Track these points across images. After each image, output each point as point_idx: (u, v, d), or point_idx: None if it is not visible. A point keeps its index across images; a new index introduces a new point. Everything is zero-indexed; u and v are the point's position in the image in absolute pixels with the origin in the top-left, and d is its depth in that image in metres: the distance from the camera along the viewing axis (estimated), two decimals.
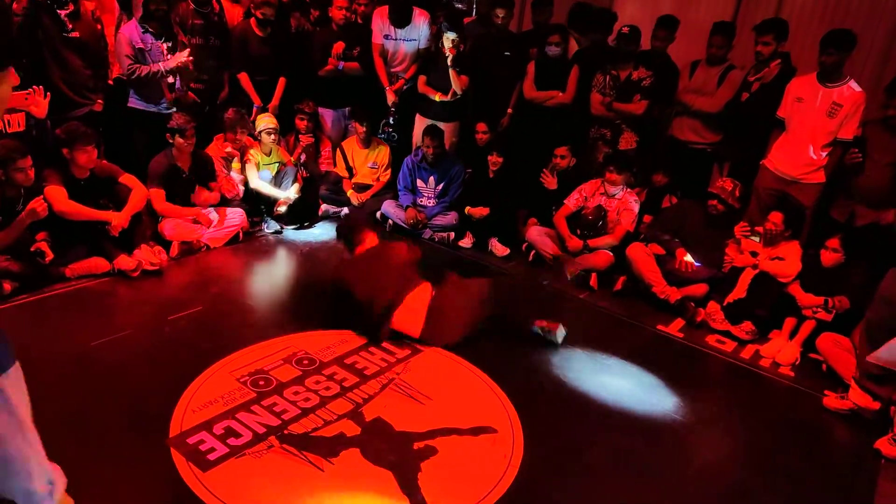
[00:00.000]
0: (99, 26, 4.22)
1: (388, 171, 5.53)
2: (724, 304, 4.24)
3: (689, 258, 4.41)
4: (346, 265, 3.80)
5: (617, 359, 3.88)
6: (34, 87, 3.70)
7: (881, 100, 4.09)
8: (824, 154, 4.31)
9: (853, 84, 4.18)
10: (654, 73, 4.93)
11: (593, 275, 4.58)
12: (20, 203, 3.65)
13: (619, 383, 3.54)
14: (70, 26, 3.92)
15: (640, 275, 4.45)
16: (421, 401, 3.08)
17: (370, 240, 3.88)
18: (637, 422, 3.17)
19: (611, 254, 4.64)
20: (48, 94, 3.75)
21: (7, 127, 3.70)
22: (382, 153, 5.50)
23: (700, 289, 4.39)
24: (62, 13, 3.86)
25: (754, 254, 4.27)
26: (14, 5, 3.80)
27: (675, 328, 4.17)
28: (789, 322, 4.06)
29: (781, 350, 3.92)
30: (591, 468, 2.82)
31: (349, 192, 5.31)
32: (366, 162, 5.47)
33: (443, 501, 2.47)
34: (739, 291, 4.21)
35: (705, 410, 3.42)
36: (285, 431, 2.75)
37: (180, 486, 2.40)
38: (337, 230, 4.64)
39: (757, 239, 4.33)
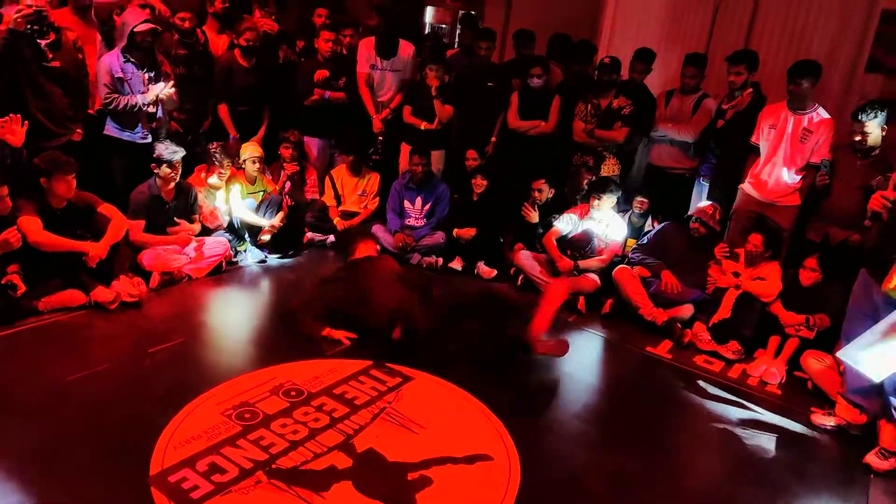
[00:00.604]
0: (80, 55, 4.15)
1: (377, 199, 5.51)
2: (710, 324, 4.27)
3: (673, 280, 4.45)
4: (340, 279, 3.83)
5: (608, 381, 3.88)
6: (10, 115, 3.62)
7: (848, 126, 4.22)
8: (798, 178, 4.41)
9: (821, 111, 4.32)
10: (633, 102, 5.03)
11: (581, 298, 4.58)
12: None
13: (612, 406, 3.51)
14: (50, 56, 3.85)
15: (627, 297, 4.47)
16: (414, 430, 3.00)
17: (367, 248, 3.89)
18: (632, 445, 3.14)
19: (597, 278, 4.65)
20: (25, 122, 3.67)
21: None
22: (372, 181, 5.49)
23: (686, 310, 4.42)
24: (43, 43, 3.79)
25: (736, 274, 4.32)
26: None
27: (663, 349, 4.18)
28: (774, 340, 4.11)
29: (767, 369, 3.95)
30: (590, 494, 2.76)
31: (335, 220, 5.27)
32: (355, 190, 5.45)
33: None
34: (724, 312, 4.24)
35: (698, 430, 3.42)
36: (273, 466, 2.64)
37: None
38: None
39: (736, 260, 4.38)
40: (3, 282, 3.47)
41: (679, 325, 4.31)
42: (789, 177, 4.40)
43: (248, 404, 3.03)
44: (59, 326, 3.58)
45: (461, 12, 7.36)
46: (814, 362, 3.75)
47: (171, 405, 2.94)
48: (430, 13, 8.38)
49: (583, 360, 4.07)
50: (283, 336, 3.78)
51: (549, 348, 3.73)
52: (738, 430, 3.40)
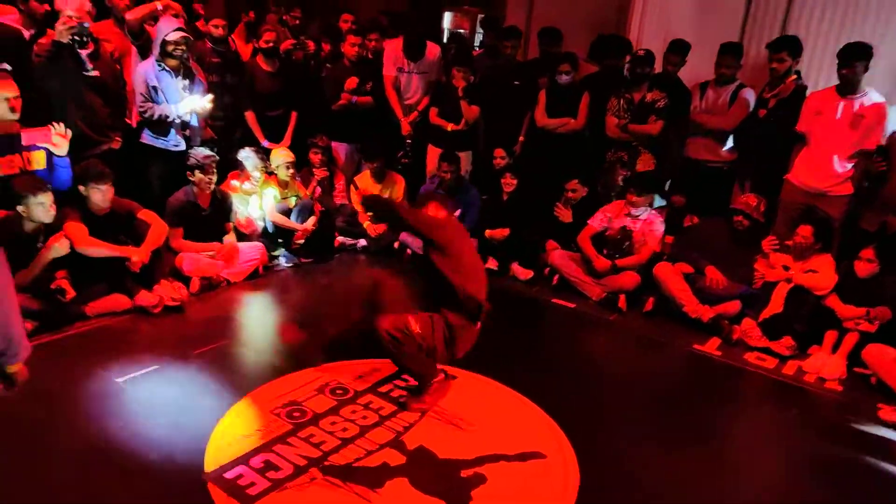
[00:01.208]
0: (118, 66, 4.21)
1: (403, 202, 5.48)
2: (760, 320, 4.13)
3: (719, 275, 4.33)
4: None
5: (657, 380, 3.78)
6: (54, 123, 3.66)
7: None
8: (849, 165, 4.28)
9: (873, 94, 4.19)
10: (668, 95, 4.95)
11: (621, 296, 4.48)
12: (40, 240, 3.57)
13: (663, 404, 3.41)
14: (90, 65, 3.90)
15: (671, 294, 4.36)
16: (463, 427, 2.94)
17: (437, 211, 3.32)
18: (689, 442, 3.05)
19: (638, 274, 4.55)
20: (68, 131, 3.71)
21: (28, 164, 3.64)
22: (397, 187, 5.45)
23: (733, 306, 4.29)
24: (83, 52, 3.85)
25: (786, 268, 4.19)
26: (35, 47, 3.80)
27: (711, 347, 4.06)
28: (830, 335, 3.95)
29: (826, 364, 3.80)
30: (652, 492, 2.68)
31: (366, 224, 5.24)
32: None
33: None
34: (775, 306, 4.11)
35: (758, 428, 3.32)
36: (326, 463, 2.61)
37: None
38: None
39: (786, 253, 4.26)
40: (52, 287, 3.49)
41: (727, 322, 4.19)
42: (840, 165, 4.27)
43: (296, 403, 3.00)
44: (106, 330, 3.59)
45: (480, 16, 7.38)
46: (878, 356, 3.60)
47: (220, 404, 2.92)
48: (447, 19, 8.38)
49: (629, 358, 4.00)
50: (324, 338, 3.72)
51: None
52: (798, 428, 3.30)
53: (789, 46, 4.54)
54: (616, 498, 2.61)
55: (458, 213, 5.12)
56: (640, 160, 5.00)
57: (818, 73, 5.10)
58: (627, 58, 5.28)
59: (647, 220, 4.70)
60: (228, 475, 2.48)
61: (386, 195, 5.39)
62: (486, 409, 3.09)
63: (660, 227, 4.71)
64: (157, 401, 2.99)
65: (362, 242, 5.25)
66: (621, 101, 5.04)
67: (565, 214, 4.97)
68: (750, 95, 4.84)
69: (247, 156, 4.72)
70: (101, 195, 3.70)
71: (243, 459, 2.57)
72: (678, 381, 3.75)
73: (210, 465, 2.53)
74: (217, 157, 4.24)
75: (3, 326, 1.69)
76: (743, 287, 4.32)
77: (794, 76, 4.57)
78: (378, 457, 2.67)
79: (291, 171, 4.82)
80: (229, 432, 2.74)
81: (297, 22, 5.44)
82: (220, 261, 4.29)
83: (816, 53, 5.34)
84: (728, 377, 3.78)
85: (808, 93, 4.56)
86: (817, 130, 4.32)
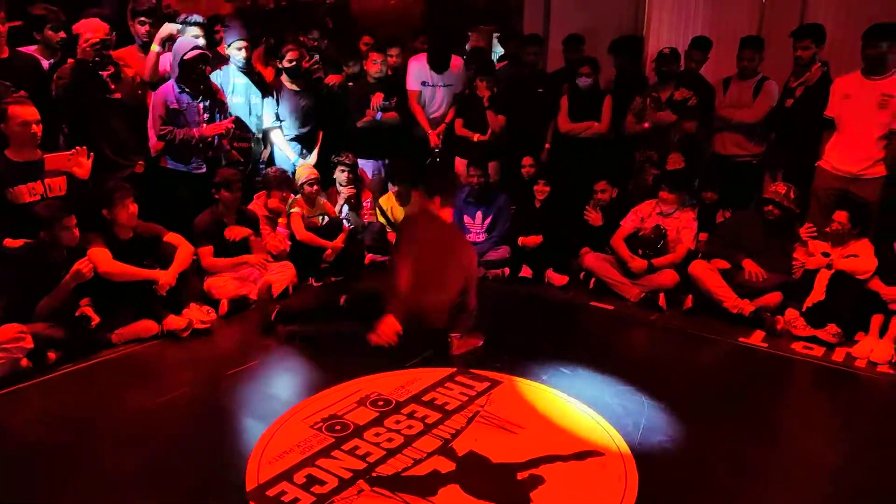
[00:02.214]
0: (140, 91, 4.20)
1: None
2: (804, 309, 3.99)
3: (757, 268, 4.20)
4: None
5: (705, 374, 3.64)
6: (77, 147, 3.63)
7: None
8: (881, 146, 4.17)
9: None
10: (696, 93, 4.88)
11: (661, 295, 4.36)
12: (64, 268, 3.50)
13: (714, 397, 3.27)
14: (112, 87, 3.89)
15: (708, 292, 4.22)
16: (513, 430, 2.81)
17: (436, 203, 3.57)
18: (747, 433, 2.91)
19: (675, 272, 4.43)
20: (91, 154, 3.68)
21: (48, 191, 3.60)
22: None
23: (774, 297, 4.16)
24: (104, 74, 3.84)
25: (826, 254, 4.06)
26: (58, 71, 3.80)
27: (756, 339, 3.92)
28: (876, 319, 3.81)
29: (874, 349, 3.67)
30: (715, 483, 2.53)
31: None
32: None
33: None
34: (818, 294, 3.97)
35: (814, 414, 3.19)
36: (373, 474, 2.48)
37: None
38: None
39: (824, 240, 4.13)
40: (76, 314, 3.42)
41: (769, 314, 4.05)
42: (871, 147, 4.16)
43: (336, 416, 2.88)
44: (134, 357, 3.50)
45: (496, 35, 7.38)
46: None
47: (257, 423, 2.81)
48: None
49: (675, 355, 3.86)
50: (358, 352, 3.62)
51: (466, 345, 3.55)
52: (854, 414, 3.17)
53: (813, 34, 4.51)
54: (678, 488, 2.46)
55: (488, 221, 5.07)
56: (670, 159, 4.91)
57: (839, 60, 4.99)
58: (649, 59, 5.23)
59: (680, 218, 4.60)
60: (271, 492, 2.36)
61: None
62: (534, 413, 2.97)
63: (693, 224, 4.60)
64: (191, 423, 2.90)
65: None
66: (647, 101, 4.98)
67: (595, 217, 4.88)
68: (774, 87, 4.77)
69: (273, 175, 4.67)
70: (126, 212, 3.64)
71: (286, 475, 2.45)
72: (728, 374, 3.61)
73: (251, 483, 2.41)
74: (240, 175, 4.19)
75: None
76: (783, 277, 4.20)
77: (819, 63, 4.50)
78: (427, 465, 2.54)
79: (316, 187, 4.76)
80: (269, 450, 2.63)
81: (315, 43, 5.44)
82: (255, 269, 4.23)
83: (836, 44, 5.27)
84: (778, 367, 3.64)
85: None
86: (846, 114, 4.24)
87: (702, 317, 4.20)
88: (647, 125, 4.95)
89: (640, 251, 4.59)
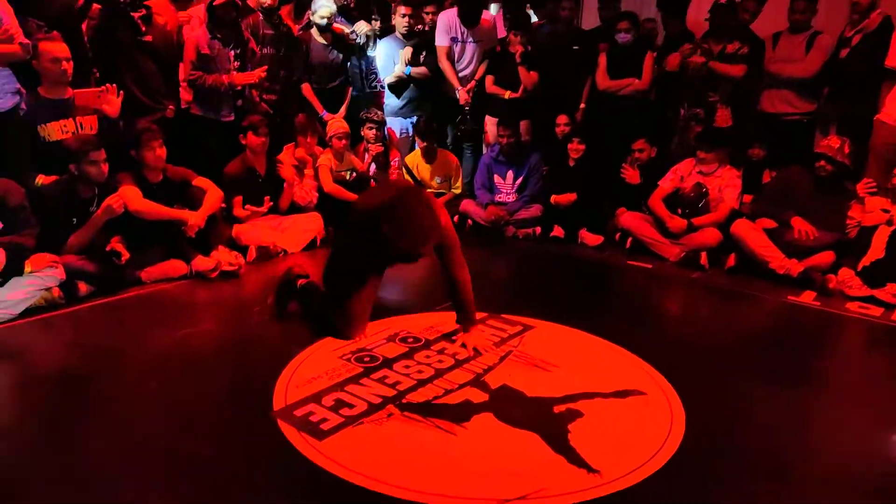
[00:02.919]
0: (174, 37, 4.16)
1: (460, 181, 5.28)
2: (859, 268, 3.76)
3: (807, 226, 3.98)
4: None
5: (752, 329, 3.46)
6: (107, 84, 3.59)
7: None
8: None
9: None
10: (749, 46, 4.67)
11: (703, 253, 4.16)
12: (94, 204, 3.47)
13: (763, 351, 3.09)
14: (144, 29, 3.85)
15: (752, 253, 4.02)
16: (548, 369, 2.67)
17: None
18: (798, 384, 2.72)
19: (718, 230, 4.23)
20: (121, 92, 3.64)
21: (80, 129, 3.57)
22: (450, 166, 5.26)
23: (826, 257, 3.94)
24: (135, 16, 3.80)
25: (886, 211, 3.82)
26: (90, 12, 3.77)
27: (807, 298, 3.70)
28: None
29: None
30: (764, 425, 2.36)
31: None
32: (432, 177, 5.23)
33: (605, 462, 2.03)
34: (876, 252, 3.74)
35: (874, 370, 2.98)
36: (403, 400, 2.37)
37: (295, 455, 2.03)
38: None
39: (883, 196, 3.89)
40: (107, 249, 3.38)
41: (819, 274, 3.83)
42: None
43: (365, 349, 2.78)
44: (163, 294, 3.45)
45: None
46: None
47: (284, 353, 2.72)
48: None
49: (720, 311, 3.70)
50: (387, 298, 3.52)
51: None
52: None
53: None
54: (726, 430, 2.30)
55: (519, 180, 4.93)
56: (718, 116, 4.69)
57: None
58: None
59: (722, 176, 4.39)
60: (298, 412, 2.26)
61: (439, 176, 5.20)
62: (570, 353, 2.82)
63: (737, 182, 4.39)
64: (217, 353, 2.85)
65: None
66: (698, 51, 4.76)
67: (633, 175, 4.69)
68: (828, 40, 4.53)
69: (302, 125, 4.59)
70: (153, 154, 3.59)
71: (314, 398, 2.36)
72: (776, 329, 3.42)
73: (278, 404, 2.32)
74: (267, 118, 4.11)
75: None
76: (836, 235, 3.97)
77: (879, 9, 4.24)
78: (459, 395, 2.42)
79: (345, 141, 4.67)
80: (296, 376, 2.53)
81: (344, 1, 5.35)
82: (285, 218, 4.20)
83: None
84: (830, 325, 3.44)
85: None
86: None
87: (747, 276, 4.00)
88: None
89: (680, 210, 4.40)
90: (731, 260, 4.12)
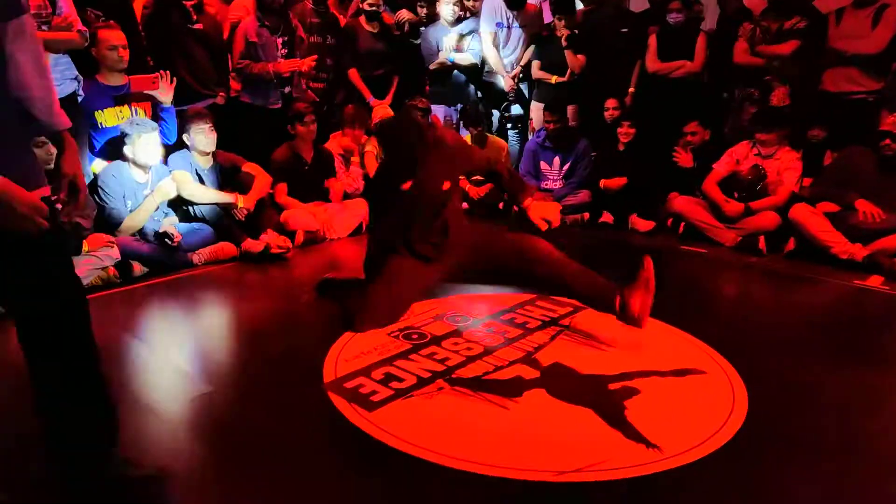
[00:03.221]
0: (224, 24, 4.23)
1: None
2: None
3: (873, 208, 3.78)
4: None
5: (815, 312, 3.30)
6: (161, 71, 3.67)
7: None
8: None
9: None
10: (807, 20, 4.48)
11: (761, 238, 4.01)
12: (147, 188, 3.55)
13: (830, 332, 2.94)
14: (195, 17, 3.92)
15: (813, 238, 3.85)
16: (602, 348, 2.59)
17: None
18: (869, 363, 2.57)
19: (777, 214, 4.06)
20: (174, 79, 3.71)
21: (134, 116, 3.65)
22: (501, 153, 5.20)
23: (894, 240, 3.72)
24: (188, 4, 3.87)
25: None
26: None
27: (875, 282, 3.51)
28: None
29: None
30: (832, 404, 2.24)
31: (467, 187, 5.01)
32: None
33: (664, 438, 1.95)
34: None
35: None
36: (453, 375, 2.33)
37: (346, 425, 2.01)
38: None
39: None
40: (160, 231, 3.45)
41: (887, 258, 3.64)
42: None
43: (413, 328, 2.75)
44: (214, 275, 3.51)
45: None
46: None
47: (333, 330, 2.71)
48: None
49: (782, 295, 3.55)
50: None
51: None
52: None
53: None
54: (790, 410, 2.18)
55: (566, 167, 4.84)
56: (774, 95, 4.51)
57: None
58: None
59: (781, 158, 4.21)
60: (349, 385, 2.25)
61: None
62: (624, 334, 2.72)
63: (797, 165, 4.20)
64: (269, 327, 2.86)
65: (464, 205, 5.01)
66: (756, 30, 4.60)
67: (685, 158, 4.55)
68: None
69: (350, 113, 4.61)
70: (203, 136, 3.65)
71: (364, 372, 2.34)
72: (843, 312, 3.26)
73: (328, 378, 2.31)
74: (313, 108, 4.14)
75: (44, 91, 1.46)
76: None
77: None
78: (510, 371, 2.37)
79: None
80: (346, 351, 2.53)
81: None
82: (332, 205, 4.23)
83: None
84: None
85: None
86: None
87: (807, 261, 3.83)
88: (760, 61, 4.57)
89: (736, 194, 4.25)
90: (791, 244, 3.96)
